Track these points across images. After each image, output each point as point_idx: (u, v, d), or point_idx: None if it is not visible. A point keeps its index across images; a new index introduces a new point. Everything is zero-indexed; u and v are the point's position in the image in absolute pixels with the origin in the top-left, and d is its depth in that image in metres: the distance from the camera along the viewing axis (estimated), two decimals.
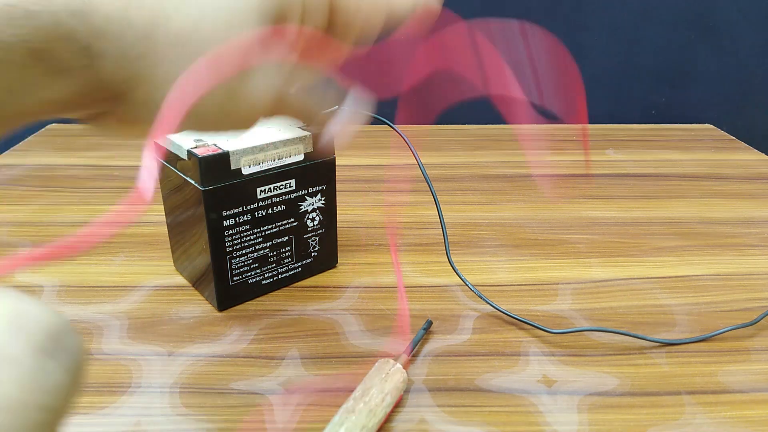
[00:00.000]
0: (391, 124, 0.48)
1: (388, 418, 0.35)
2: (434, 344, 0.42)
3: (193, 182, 0.41)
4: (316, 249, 0.49)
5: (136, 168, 0.70)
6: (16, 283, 0.48)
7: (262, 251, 0.45)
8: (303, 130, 0.45)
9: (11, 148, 0.77)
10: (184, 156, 0.41)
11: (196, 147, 0.40)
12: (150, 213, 0.60)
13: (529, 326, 0.44)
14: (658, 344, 0.42)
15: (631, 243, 0.56)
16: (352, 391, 0.35)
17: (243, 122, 0.23)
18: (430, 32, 0.25)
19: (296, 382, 0.38)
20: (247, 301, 0.46)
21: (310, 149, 0.44)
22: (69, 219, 0.58)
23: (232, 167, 0.41)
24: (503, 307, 0.45)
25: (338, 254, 0.51)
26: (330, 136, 0.28)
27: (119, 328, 0.43)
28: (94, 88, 0.19)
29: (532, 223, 0.60)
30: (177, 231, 0.47)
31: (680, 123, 0.92)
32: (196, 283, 0.47)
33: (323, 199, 0.47)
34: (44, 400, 0.14)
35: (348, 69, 0.25)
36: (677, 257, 0.54)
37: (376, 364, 0.37)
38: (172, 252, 0.50)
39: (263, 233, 0.45)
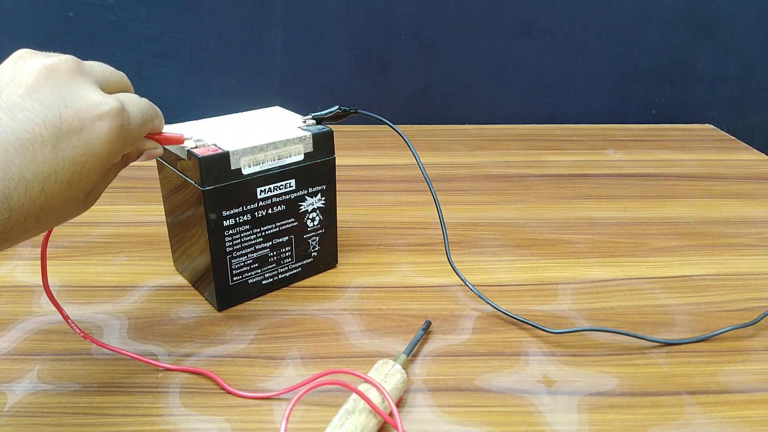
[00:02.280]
0: (391, 124, 0.48)
1: None
2: (434, 344, 0.42)
3: (193, 182, 0.41)
4: (316, 249, 0.49)
5: (135, 167, 0.70)
6: (16, 283, 0.48)
7: (262, 251, 0.45)
8: (303, 130, 0.45)
9: None
10: (184, 156, 0.41)
11: (196, 147, 0.40)
12: (150, 213, 0.60)
13: (529, 326, 0.44)
14: (658, 344, 0.42)
15: (631, 243, 0.56)
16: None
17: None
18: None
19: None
20: (247, 301, 0.46)
21: (310, 149, 0.44)
22: None
23: (232, 167, 0.41)
24: (503, 307, 0.45)
25: (338, 254, 0.51)
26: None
27: (119, 328, 0.43)
28: None
29: (532, 223, 0.60)
30: (177, 231, 0.47)
31: (680, 123, 0.92)
32: (196, 283, 0.47)
33: (323, 199, 0.47)
34: None
35: None
36: (677, 257, 0.54)
37: (376, 364, 0.37)
38: (172, 252, 0.50)
39: (263, 233, 0.45)
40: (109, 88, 0.33)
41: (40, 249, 0.52)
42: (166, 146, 0.42)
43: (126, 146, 0.32)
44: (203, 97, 0.87)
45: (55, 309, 0.45)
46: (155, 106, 0.37)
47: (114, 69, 0.34)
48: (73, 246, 0.54)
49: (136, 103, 0.33)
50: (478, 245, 0.55)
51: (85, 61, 0.32)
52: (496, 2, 0.84)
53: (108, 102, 0.30)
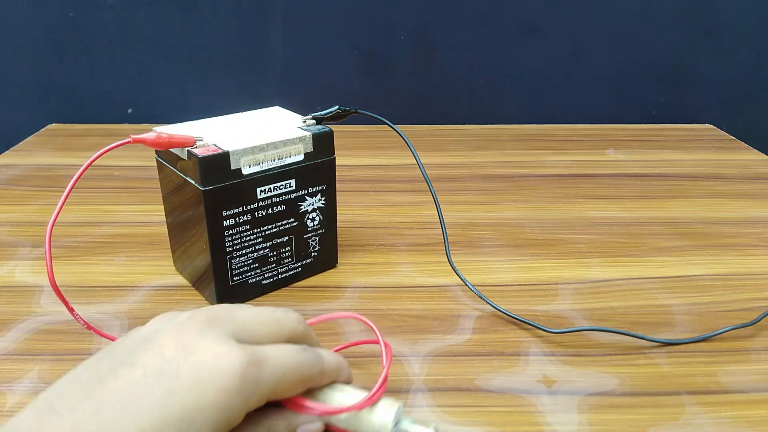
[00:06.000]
0: (391, 124, 0.48)
1: None
2: (434, 344, 0.42)
3: (193, 182, 0.41)
4: (316, 249, 0.49)
5: (135, 167, 0.70)
6: (16, 283, 0.48)
7: (262, 251, 0.45)
8: (303, 130, 0.45)
9: (11, 148, 0.77)
10: (184, 156, 0.41)
11: (196, 147, 0.40)
12: (150, 213, 0.60)
13: (529, 326, 0.44)
14: (658, 344, 0.42)
15: (631, 243, 0.56)
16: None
17: None
18: None
19: None
20: (247, 301, 0.46)
21: (310, 149, 0.44)
22: (69, 219, 0.58)
23: (232, 167, 0.41)
24: (503, 307, 0.45)
25: (338, 254, 0.51)
26: None
27: (119, 328, 0.43)
28: None
29: (532, 223, 0.60)
30: (177, 231, 0.47)
31: (680, 123, 0.92)
32: (196, 283, 0.47)
33: (323, 199, 0.47)
34: None
35: None
36: (677, 257, 0.54)
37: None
38: (172, 252, 0.50)
39: (263, 233, 0.45)
40: (251, 339, 0.29)
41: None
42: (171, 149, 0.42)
43: (251, 405, 0.28)
44: (203, 97, 0.87)
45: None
46: (334, 360, 0.32)
47: (275, 318, 0.31)
48: (73, 246, 0.54)
49: (281, 357, 0.29)
50: (478, 245, 0.55)
51: (238, 310, 0.30)
52: (496, 2, 0.84)
53: (231, 353, 0.27)
